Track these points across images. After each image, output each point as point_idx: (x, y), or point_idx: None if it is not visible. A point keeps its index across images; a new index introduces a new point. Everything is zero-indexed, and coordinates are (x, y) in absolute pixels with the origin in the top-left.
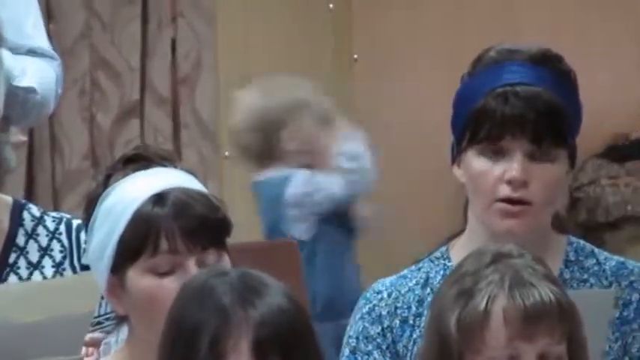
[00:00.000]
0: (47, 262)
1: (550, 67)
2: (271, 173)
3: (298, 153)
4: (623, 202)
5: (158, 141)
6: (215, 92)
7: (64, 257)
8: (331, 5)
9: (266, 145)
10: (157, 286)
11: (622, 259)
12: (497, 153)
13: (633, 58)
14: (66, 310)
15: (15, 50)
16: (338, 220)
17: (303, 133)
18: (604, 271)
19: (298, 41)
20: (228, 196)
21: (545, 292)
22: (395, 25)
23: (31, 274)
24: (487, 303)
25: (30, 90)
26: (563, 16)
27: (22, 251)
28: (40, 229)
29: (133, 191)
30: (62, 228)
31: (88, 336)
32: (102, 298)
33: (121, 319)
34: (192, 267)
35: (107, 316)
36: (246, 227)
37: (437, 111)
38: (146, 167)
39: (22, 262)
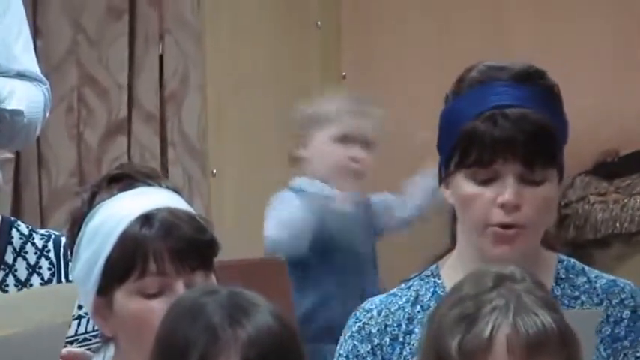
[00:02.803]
0: (36, 280)
1: (535, 84)
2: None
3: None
4: (612, 220)
5: (145, 158)
6: (202, 110)
7: (53, 274)
8: (319, 22)
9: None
10: (146, 309)
11: (612, 277)
12: (489, 176)
13: (622, 75)
14: (41, 321)
15: (3, 73)
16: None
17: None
18: (595, 288)
19: (286, 58)
20: (215, 213)
21: (547, 320)
22: (384, 42)
23: (19, 291)
24: (491, 330)
25: (17, 113)
26: (551, 33)
27: (11, 269)
28: (29, 247)
29: (120, 212)
30: (50, 245)
31: (65, 350)
32: (85, 315)
33: (108, 338)
34: (180, 289)
35: (94, 333)
36: (233, 245)
37: (426, 128)
38: (130, 186)
39: (10, 280)
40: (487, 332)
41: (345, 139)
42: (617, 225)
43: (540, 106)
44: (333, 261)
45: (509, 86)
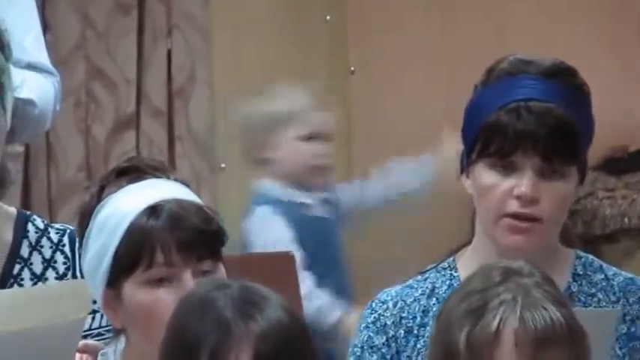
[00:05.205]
0: (51, 274)
1: (563, 81)
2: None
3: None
4: (620, 215)
5: (153, 153)
6: (209, 104)
7: (68, 269)
8: (328, 17)
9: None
10: (154, 299)
11: (630, 275)
12: (508, 168)
13: (631, 71)
14: (56, 317)
15: (14, 64)
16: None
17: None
18: (612, 286)
19: (294, 53)
20: (222, 208)
21: (556, 315)
22: (392, 36)
23: (34, 285)
24: (499, 324)
25: (29, 102)
26: (555, 31)
27: (26, 263)
28: (44, 241)
29: (128, 204)
30: (66, 240)
31: (82, 343)
32: (99, 309)
33: (119, 331)
34: (188, 279)
35: (108, 327)
36: (241, 239)
37: (435, 123)
38: (139, 178)
39: (26, 274)
40: (494, 326)
41: (311, 137)
42: (626, 220)
43: (566, 102)
44: (312, 269)
45: (537, 80)
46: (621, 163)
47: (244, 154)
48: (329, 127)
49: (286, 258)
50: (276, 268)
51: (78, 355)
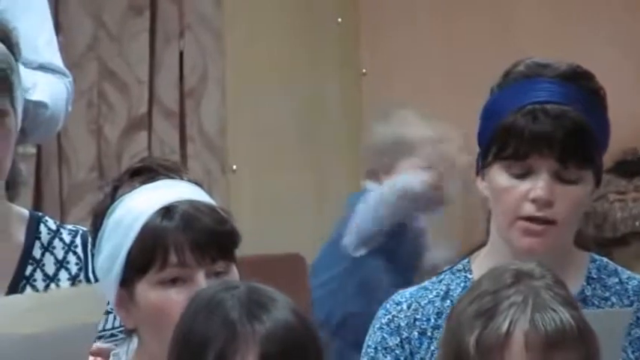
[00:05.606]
0: (63, 275)
1: (580, 84)
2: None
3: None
4: (631, 218)
5: (165, 154)
6: (221, 106)
7: (80, 270)
8: (339, 19)
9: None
10: (166, 300)
11: None
12: (523, 170)
13: None
14: (68, 321)
15: (26, 65)
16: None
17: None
18: (626, 290)
19: (306, 55)
20: (233, 209)
21: (566, 318)
22: (403, 39)
23: (47, 286)
24: (509, 326)
25: (40, 104)
26: (564, 32)
27: (39, 264)
28: (57, 242)
29: (141, 204)
30: (78, 241)
31: (95, 345)
32: (112, 310)
33: (131, 331)
34: (201, 280)
35: (121, 328)
36: (252, 240)
37: (446, 124)
38: (152, 179)
39: (38, 275)
40: (504, 328)
41: (433, 168)
42: (637, 224)
43: (582, 106)
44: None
45: (553, 83)
46: (632, 166)
47: (367, 171)
48: (453, 159)
49: (296, 260)
50: (286, 270)
51: (91, 358)
